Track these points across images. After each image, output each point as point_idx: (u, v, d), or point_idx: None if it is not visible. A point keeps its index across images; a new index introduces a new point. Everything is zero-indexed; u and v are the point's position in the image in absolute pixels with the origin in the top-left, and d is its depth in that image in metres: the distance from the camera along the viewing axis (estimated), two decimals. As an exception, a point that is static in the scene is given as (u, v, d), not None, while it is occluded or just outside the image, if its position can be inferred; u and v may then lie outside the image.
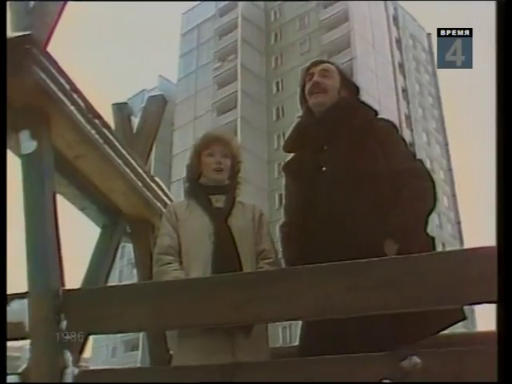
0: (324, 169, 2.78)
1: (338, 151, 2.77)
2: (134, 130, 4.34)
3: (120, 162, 3.61)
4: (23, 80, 2.88)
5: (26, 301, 2.51)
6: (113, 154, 3.53)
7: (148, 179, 3.96)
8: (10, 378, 2.47)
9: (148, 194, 3.93)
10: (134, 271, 4.19)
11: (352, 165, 2.70)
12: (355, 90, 3.06)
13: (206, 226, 2.77)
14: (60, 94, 3.03)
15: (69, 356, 2.44)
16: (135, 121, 4.43)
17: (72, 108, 3.11)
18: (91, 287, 3.48)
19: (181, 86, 49.51)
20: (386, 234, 2.54)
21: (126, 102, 4.57)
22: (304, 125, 2.99)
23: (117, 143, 3.57)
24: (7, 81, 2.85)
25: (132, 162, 3.76)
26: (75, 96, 3.15)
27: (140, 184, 3.84)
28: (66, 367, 2.40)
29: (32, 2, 3.13)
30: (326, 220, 2.66)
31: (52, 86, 2.98)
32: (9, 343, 2.38)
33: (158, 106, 4.56)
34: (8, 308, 2.49)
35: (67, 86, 3.09)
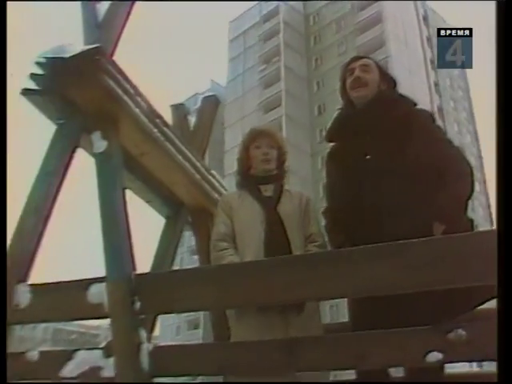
0: (368, 157, 2.73)
1: (381, 140, 2.72)
2: (191, 128, 4.36)
3: (180, 157, 3.63)
4: (94, 87, 2.94)
5: (103, 284, 2.56)
6: (173, 150, 3.55)
7: (206, 172, 3.98)
8: (94, 353, 2.53)
9: (206, 185, 3.95)
10: (193, 257, 4.23)
11: (395, 152, 2.66)
12: (393, 82, 3.01)
13: (257, 213, 2.77)
14: (126, 98, 3.06)
15: (144, 333, 2.49)
16: (191, 120, 4.45)
17: (136, 110, 3.14)
18: (160, 271, 3.54)
19: (230, 88, 49.69)
20: (432, 217, 2.49)
21: (183, 103, 4.58)
22: (345, 116, 2.95)
23: (176, 140, 3.59)
24: (80, 89, 2.92)
25: (191, 157, 3.77)
26: (139, 99, 3.18)
27: (199, 177, 3.86)
28: (142, 343, 2.44)
29: (101, 17, 3.20)
30: (372, 205, 2.60)
31: (119, 91, 3.02)
32: (88, 322, 2.45)
33: (212, 105, 4.57)
34: (88, 291, 2.55)
35: (131, 91, 3.12)
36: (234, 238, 2.78)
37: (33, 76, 2.95)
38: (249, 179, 2.97)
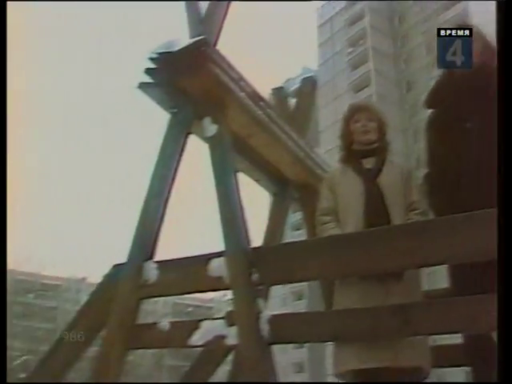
0: (468, 125, 2.58)
1: (481, 108, 2.56)
2: (291, 109, 4.29)
3: (284, 136, 3.59)
4: (202, 75, 2.96)
5: (222, 259, 2.56)
6: (278, 131, 3.51)
7: (309, 150, 3.91)
8: (217, 322, 2.57)
9: (310, 162, 3.89)
10: (295, 233, 4.19)
11: (495, 121, 2.48)
12: (494, 53, 2.79)
13: (357, 185, 2.70)
14: (231, 84, 3.06)
15: (262, 303, 2.48)
16: (291, 101, 4.38)
17: (241, 94, 3.13)
18: (274, 244, 3.53)
19: (321, 72, 49.14)
20: None
21: (282, 86, 4.50)
22: (446, 83, 2.80)
23: (279, 121, 3.55)
24: (190, 78, 2.94)
25: (294, 136, 3.72)
26: (242, 84, 3.16)
27: (302, 154, 3.80)
28: (261, 312, 2.43)
29: (203, 13, 3.20)
30: (474, 171, 2.47)
31: (224, 77, 3.01)
32: (202, 296, 2.47)
33: (310, 85, 4.48)
34: (209, 265, 2.57)
35: (235, 76, 3.11)
36: (338, 212, 2.72)
37: (147, 70, 3.02)
38: (351, 154, 2.89)
